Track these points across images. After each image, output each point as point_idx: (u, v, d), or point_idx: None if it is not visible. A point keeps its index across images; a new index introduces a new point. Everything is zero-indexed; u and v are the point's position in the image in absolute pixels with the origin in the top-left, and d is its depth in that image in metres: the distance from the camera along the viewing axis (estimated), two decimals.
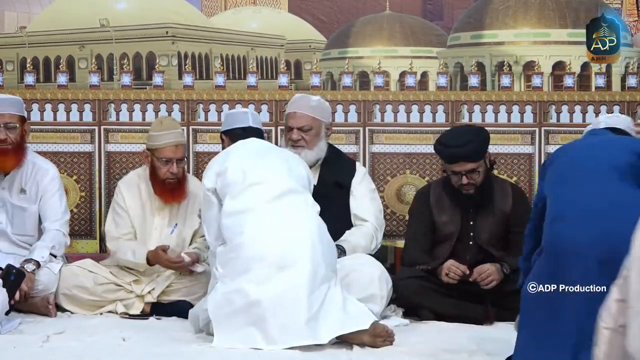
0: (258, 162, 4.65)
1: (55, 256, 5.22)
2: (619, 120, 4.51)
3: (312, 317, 4.26)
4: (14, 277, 4.78)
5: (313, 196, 5.12)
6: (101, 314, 5.14)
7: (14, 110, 5.29)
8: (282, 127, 5.61)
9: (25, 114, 5.46)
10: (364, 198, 5.34)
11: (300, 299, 4.27)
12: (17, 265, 4.96)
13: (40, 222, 5.35)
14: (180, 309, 5.01)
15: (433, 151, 5.30)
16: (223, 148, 5.00)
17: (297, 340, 4.22)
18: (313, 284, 4.30)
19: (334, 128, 5.98)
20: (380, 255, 5.62)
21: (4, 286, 4.68)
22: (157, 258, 5.13)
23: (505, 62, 9.13)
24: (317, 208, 4.61)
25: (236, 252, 4.37)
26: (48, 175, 5.36)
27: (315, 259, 4.35)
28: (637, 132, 4.65)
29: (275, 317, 4.24)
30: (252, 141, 4.82)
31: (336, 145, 5.64)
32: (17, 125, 5.27)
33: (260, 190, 4.50)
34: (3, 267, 4.87)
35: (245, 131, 4.94)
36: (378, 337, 4.28)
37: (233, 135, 4.96)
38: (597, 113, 6.22)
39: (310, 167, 5.19)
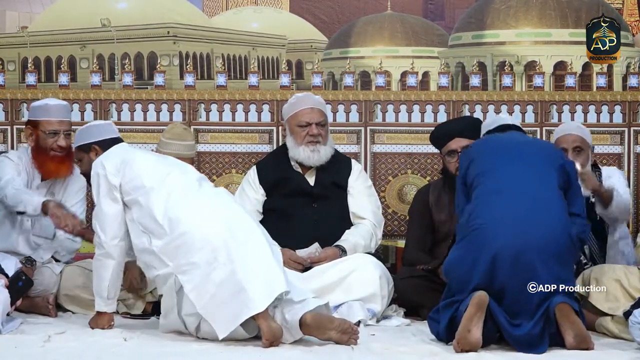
0: (156, 157, 4.81)
1: (58, 261, 5.27)
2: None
3: (282, 267, 4.40)
4: (22, 284, 4.76)
5: (313, 198, 5.14)
6: None
7: (70, 116, 5.31)
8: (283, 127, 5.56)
9: None
10: (361, 196, 5.32)
11: (267, 252, 4.38)
12: (16, 264, 4.98)
13: None
14: None
15: (434, 151, 5.31)
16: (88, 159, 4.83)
17: (280, 288, 4.27)
18: (268, 240, 4.47)
19: (335, 128, 5.98)
20: (381, 255, 5.62)
21: (10, 290, 4.67)
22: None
23: (507, 62, 9.15)
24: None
25: (182, 239, 4.40)
26: (77, 184, 5.31)
27: (257, 224, 4.55)
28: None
29: (253, 279, 4.27)
30: (126, 145, 4.87)
31: (338, 145, 5.63)
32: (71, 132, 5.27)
33: (177, 176, 4.59)
34: (3, 267, 4.87)
35: (116, 141, 4.85)
36: (345, 333, 4.27)
37: (105, 145, 4.79)
38: (598, 113, 6.23)
39: (321, 165, 5.19)
